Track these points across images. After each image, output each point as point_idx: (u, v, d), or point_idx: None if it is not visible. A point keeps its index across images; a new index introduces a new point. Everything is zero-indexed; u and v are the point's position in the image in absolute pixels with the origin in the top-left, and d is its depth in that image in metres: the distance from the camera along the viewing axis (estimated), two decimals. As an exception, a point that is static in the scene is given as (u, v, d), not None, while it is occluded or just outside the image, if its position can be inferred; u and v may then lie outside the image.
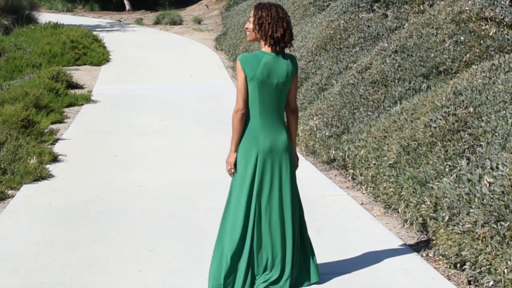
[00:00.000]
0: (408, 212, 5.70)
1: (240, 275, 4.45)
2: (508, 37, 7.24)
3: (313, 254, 4.65)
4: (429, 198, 5.42)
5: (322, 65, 10.20)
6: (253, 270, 4.47)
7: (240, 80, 4.37)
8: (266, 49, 4.42)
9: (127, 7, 30.36)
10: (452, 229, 4.94)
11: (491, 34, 7.37)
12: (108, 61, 15.96)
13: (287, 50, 4.55)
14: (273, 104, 4.41)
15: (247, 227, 4.44)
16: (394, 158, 6.32)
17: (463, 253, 4.73)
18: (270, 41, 4.39)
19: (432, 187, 5.53)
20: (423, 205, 5.46)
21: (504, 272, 4.34)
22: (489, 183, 4.89)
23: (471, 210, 4.86)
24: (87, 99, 11.49)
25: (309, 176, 7.30)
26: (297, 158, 4.66)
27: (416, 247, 5.36)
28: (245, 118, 4.42)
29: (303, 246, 4.60)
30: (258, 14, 4.39)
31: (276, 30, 4.37)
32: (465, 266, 4.74)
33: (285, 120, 4.55)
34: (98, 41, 17.63)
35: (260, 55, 4.39)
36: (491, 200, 4.74)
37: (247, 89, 4.38)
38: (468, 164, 5.41)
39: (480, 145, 5.47)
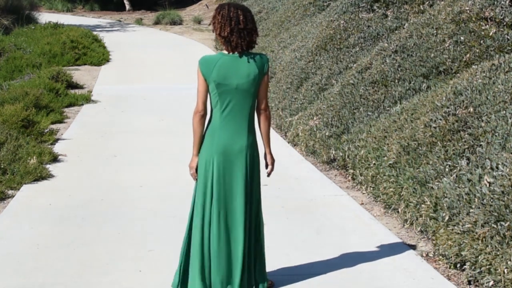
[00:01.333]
0: (408, 212, 5.70)
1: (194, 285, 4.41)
2: (508, 37, 7.24)
3: (261, 266, 4.46)
4: (429, 198, 5.42)
5: (322, 65, 10.19)
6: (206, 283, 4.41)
7: (199, 82, 4.34)
8: (225, 49, 4.33)
9: (127, 7, 30.39)
10: (452, 229, 4.94)
11: (491, 34, 7.37)
12: (108, 61, 15.97)
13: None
14: (235, 106, 4.30)
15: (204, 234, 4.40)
16: (394, 158, 6.32)
17: (463, 253, 4.73)
18: (221, 41, 4.31)
19: (432, 187, 5.53)
20: (423, 205, 5.46)
21: (504, 272, 4.34)
22: (489, 183, 4.89)
23: (471, 210, 4.86)
24: (87, 99, 11.49)
25: (309, 176, 7.31)
26: (272, 160, 4.48)
27: (416, 247, 5.36)
28: (209, 120, 4.40)
29: (253, 257, 4.43)
30: (213, 15, 4.35)
31: (224, 29, 4.25)
32: (465, 266, 4.74)
33: (254, 122, 4.39)
34: (98, 41, 17.66)
35: (217, 56, 4.31)
36: (491, 200, 4.74)
37: (206, 91, 4.34)
38: (468, 164, 5.41)
39: (480, 145, 5.47)
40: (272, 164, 4.50)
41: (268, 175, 4.50)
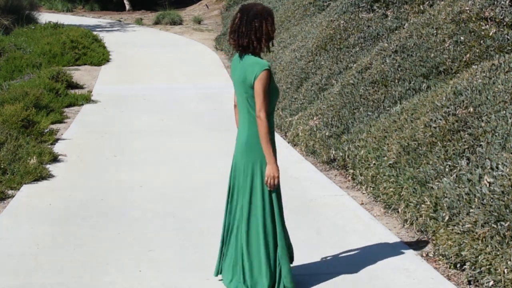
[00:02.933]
0: (408, 212, 5.70)
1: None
2: (508, 37, 7.24)
3: (273, 263, 4.47)
4: (429, 198, 5.42)
5: (322, 65, 10.19)
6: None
7: None
8: None
9: (127, 7, 30.36)
10: (452, 229, 4.94)
11: (491, 34, 7.37)
12: (108, 61, 15.96)
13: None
14: (240, 103, 4.45)
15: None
16: (394, 158, 6.32)
17: (463, 253, 4.73)
18: None
19: (432, 187, 5.52)
20: (423, 205, 5.46)
21: (504, 272, 4.34)
22: (489, 183, 4.89)
23: (471, 210, 4.86)
24: (87, 99, 11.49)
25: (309, 176, 7.31)
26: (269, 172, 4.31)
27: (416, 247, 5.36)
28: None
29: (262, 255, 4.45)
30: None
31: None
32: (465, 266, 4.74)
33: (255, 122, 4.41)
34: (98, 41, 17.63)
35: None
36: (491, 200, 4.74)
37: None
38: (468, 164, 5.41)
39: (480, 145, 5.47)
40: (269, 177, 4.32)
41: (269, 187, 4.37)
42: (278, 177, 4.33)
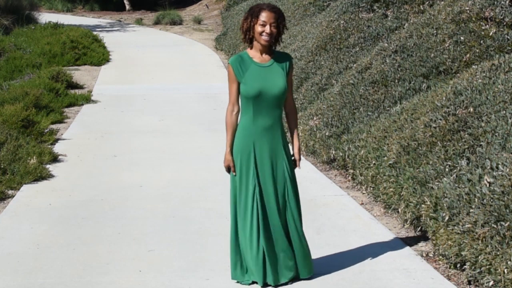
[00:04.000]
0: (408, 212, 5.70)
1: None
2: (508, 37, 7.24)
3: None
4: (429, 198, 5.42)
5: (322, 65, 10.20)
6: None
7: None
8: None
9: (127, 7, 30.35)
10: (452, 229, 4.94)
11: (491, 34, 7.37)
12: (108, 61, 15.96)
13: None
14: None
15: None
16: (394, 158, 6.32)
17: (463, 253, 4.73)
18: None
19: (432, 187, 5.52)
20: (423, 205, 5.45)
21: (504, 272, 4.34)
22: (489, 183, 4.89)
23: (471, 210, 4.86)
24: (87, 99, 11.49)
25: (309, 176, 7.30)
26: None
27: (416, 247, 5.37)
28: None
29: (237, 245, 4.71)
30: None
31: None
32: (465, 266, 4.74)
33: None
34: (98, 41, 17.61)
35: None
36: (491, 200, 4.74)
37: None
38: (468, 164, 5.41)
39: (480, 145, 5.47)
40: None
41: None
42: (227, 166, 4.64)
